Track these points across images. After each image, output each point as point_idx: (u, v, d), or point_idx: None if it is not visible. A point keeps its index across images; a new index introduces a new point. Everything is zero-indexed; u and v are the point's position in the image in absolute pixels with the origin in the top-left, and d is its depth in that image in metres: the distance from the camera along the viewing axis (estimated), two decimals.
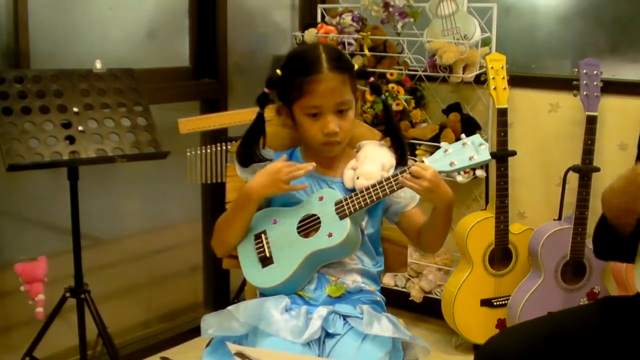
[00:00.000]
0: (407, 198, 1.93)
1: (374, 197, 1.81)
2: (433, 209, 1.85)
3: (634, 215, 1.70)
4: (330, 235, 1.82)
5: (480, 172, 1.64)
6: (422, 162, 1.79)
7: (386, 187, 1.80)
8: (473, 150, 1.75)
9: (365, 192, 1.82)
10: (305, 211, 1.87)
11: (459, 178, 1.74)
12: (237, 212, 1.90)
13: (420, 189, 1.77)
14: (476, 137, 1.77)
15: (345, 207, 1.82)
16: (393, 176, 1.80)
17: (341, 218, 1.82)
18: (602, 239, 1.85)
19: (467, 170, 2.80)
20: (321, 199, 1.86)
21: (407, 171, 1.77)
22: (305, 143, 1.96)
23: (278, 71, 1.90)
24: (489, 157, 1.76)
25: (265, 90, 1.91)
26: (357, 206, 1.81)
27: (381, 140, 2.01)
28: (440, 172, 1.77)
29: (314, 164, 1.86)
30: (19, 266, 2.47)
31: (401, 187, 1.79)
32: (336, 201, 1.84)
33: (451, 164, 1.76)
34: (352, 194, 1.83)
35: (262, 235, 1.90)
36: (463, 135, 1.80)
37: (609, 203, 1.75)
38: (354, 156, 1.96)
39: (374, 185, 1.81)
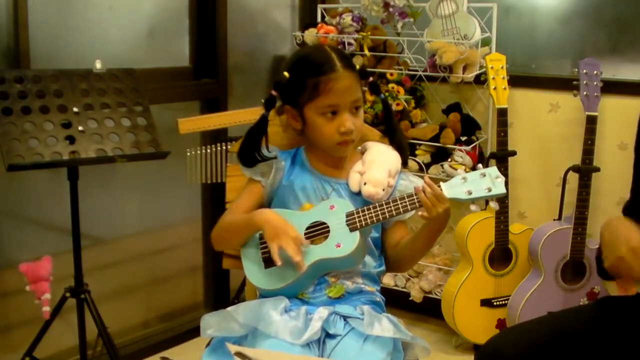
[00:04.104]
0: None
1: (387, 215, 1.79)
2: (423, 228, 1.83)
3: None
4: (338, 245, 1.79)
5: (493, 204, 1.63)
6: (439, 186, 1.76)
7: (400, 206, 1.78)
8: (490, 182, 1.74)
9: (378, 208, 1.79)
10: (314, 218, 1.84)
11: (473, 207, 1.75)
12: (244, 230, 1.88)
13: (433, 214, 1.74)
14: (493, 170, 1.75)
15: (357, 219, 1.80)
16: (409, 196, 1.77)
17: (351, 230, 1.79)
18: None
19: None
20: (332, 207, 1.83)
21: (425, 186, 1.75)
22: (314, 144, 1.93)
23: (285, 73, 1.88)
24: (504, 190, 1.74)
25: (273, 92, 1.89)
26: (369, 221, 1.79)
27: (380, 139, 2.00)
28: (456, 200, 1.75)
29: (303, 268, 1.79)
30: (24, 266, 2.46)
31: (416, 209, 1.77)
32: (347, 212, 1.81)
33: (468, 192, 1.74)
34: (365, 207, 1.81)
35: None
36: (480, 165, 1.78)
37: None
38: (359, 157, 1.95)
39: (387, 203, 1.79)
